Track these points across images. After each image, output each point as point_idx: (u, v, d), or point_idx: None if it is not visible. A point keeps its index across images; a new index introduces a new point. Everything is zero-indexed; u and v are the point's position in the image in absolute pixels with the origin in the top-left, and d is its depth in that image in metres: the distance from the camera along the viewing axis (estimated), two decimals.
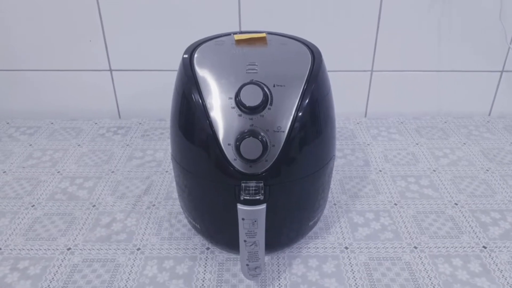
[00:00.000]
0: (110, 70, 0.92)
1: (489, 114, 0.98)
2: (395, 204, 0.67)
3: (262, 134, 0.47)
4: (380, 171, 0.76)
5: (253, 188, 0.48)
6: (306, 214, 0.56)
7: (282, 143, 0.48)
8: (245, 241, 0.48)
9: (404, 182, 0.73)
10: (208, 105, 0.48)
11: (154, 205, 0.67)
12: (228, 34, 0.58)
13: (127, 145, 0.84)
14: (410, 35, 0.89)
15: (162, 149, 0.83)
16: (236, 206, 0.47)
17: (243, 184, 0.48)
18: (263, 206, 0.46)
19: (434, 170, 0.76)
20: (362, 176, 0.74)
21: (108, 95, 0.95)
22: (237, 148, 0.47)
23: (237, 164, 0.48)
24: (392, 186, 0.72)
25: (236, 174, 0.48)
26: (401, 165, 0.78)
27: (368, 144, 0.85)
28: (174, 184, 0.72)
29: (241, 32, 0.58)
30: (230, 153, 0.48)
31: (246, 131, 0.47)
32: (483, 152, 0.81)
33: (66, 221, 0.64)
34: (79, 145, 0.84)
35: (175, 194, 0.70)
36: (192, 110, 0.49)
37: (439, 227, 0.63)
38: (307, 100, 0.48)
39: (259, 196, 0.47)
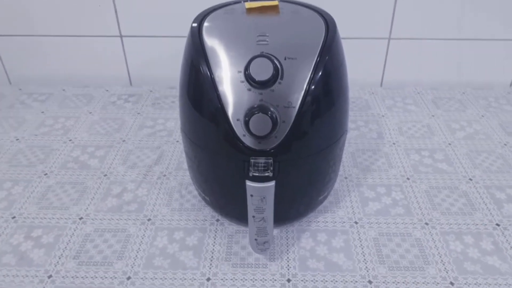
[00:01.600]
0: (121, 36, 0.90)
1: (511, 85, 0.94)
2: (408, 179, 0.66)
3: (271, 109, 0.45)
4: (394, 144, 0.74)
5: (262, 165, 0.47)
6: (316, 189, 0.55)
7: (293, 119, 0.46)
8: (253, 216, 0.48)
9: (417, 156, 0.71)
10: (216, 79, 0.47)
11: (165, 175, 0.68)
12: (239, 1, 0.56)
13: (138, 113, 0.84)
14: (431, 0, 0.85)
15: (173, 118, 0.82)
16: (245, 182, 0.47)
17: (252, 160, 0.47)
18: (272, 183, 0.46)
19: (450, 144, 0.74)
20: (375, 149, 0.73)
21: (119, 62, 0.94)
22: (246, 124, 0.46)
23: (246, 140, 0.47)
24: (406, 160, 0.70)
25: (245, 150, 0.47)
26: (416, 138, 0.76)
27: (383, 116, 0.83)
28: (184, 154, 0.72)
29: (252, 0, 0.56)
30: (239, 128, 0.47)
31: (255, 106, 0.46)
32: (502, 126, 0.79)
33: (78, 190, 0.64)
34: (90, 112, 0.84)
35: (186, 165, 0.69)
36: (201, 83, 0.48)
37: (451, 203, 0.62)
38: (319, 74, 0.47)
39: (268, 173, 0.47)
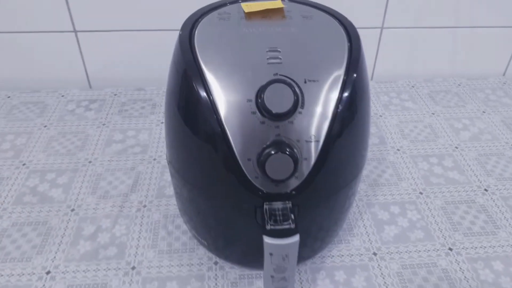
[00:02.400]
0: (75, 31, 0.77)
1: (504, 74, 0.90)
2: (421, 193, 0.60)
3: (292, 147, 0.36)
4: (398, 150, 0.68)
5: (281, 213, 0.38)
6: (335, 225, 0.47)
7: (317, 155, 0.37)
8: (272, 276, 0.39)
9: (426, 164, 0.65)
10: (219, 108, 0.37)
11: (145, 205, 0.57)
12: (235, 1, 0.45)
13: (103, 124, 0.72)
14: None
15: (145, 128, 0.71)
16: (254, 228, 0.38)
17: (266, 207, 0.38)
18: (296, 238, 0.37)
19: (457, 147, 0.68)
20: (380, 158, 0.66)
21: (74, 61, 0.80)
22: (261, 166, 0.36)
23: (259, 182, 0.38)
24: (414, 169, 0.64)
25: (258, 195, 0.38)
26: (420, 142, 0.69)
27: (381, 116, 0.75)
28: (165, 176, 0.61)
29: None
30: (250, 169, 0.37)
31: (271, 143, 0.36)
32: (505, 122, 0.74)
33: (41, 232, 0.53)
34: (45, 126, 0.71)
35: (168, 191, 0.59)
36: (198, 113, 0.38)
37: (472, 221, 0.56)
38: (347, 98, 0.38)
39: (289, 223, 0.38)
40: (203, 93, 0.37)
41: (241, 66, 0.38)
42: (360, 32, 0.81)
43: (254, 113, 0.36)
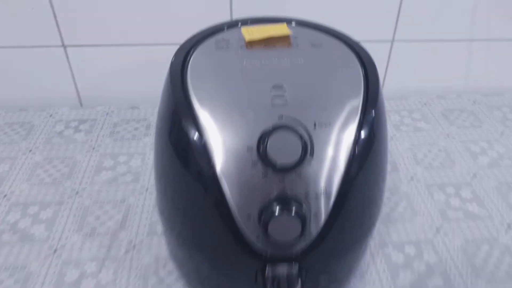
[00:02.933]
0: (63, 45, 0.72)
1: None
2: (438, 231, 0.55)
3: (299, 203, 0.31)
4: (412, 178, 0.62)
5: (286, 278, 0.33)
6: (347, 278, 0.42)
7: (328, 211, 0.32)
8: None
9: (442, 195, 0.59)
10: (214, 158, 0.32)
11: (134, 246, 0.52)
12: (234, 25, 0.40)
13: (93, 148, 0.67)
14: None
15: (138, 153, 0.66)
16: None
17: (269, 271, 0.33)
18: None
19: (475, 175, 0.63)
20: (392, 188, 0.61)
21: (64, 78, 0.75)
22: (264, 226, 0.31)
23: (261, 243, 0.33)
24: (430, 201, 0.58)
25: (259, 257, 0.33)
26: (435, 169, 0.64)
27: (391, 138, 0.70)
28: (158, 210, 0.56)
29: (251, 21, 0.40)
30: (250, 228, 0.32)
31: (275, 198, 0.31)
32: None
33: (18, 279, 0.48)
34: (30, 150, 0.66)
35: (160, 227, 0.54)
36: (189, 161, 0.33)
37: (496, 265, 0.51)
38: (363, 143, 0.33)
39: None
40: (196, 138, 0.32)
41: (241, 107, 0.32)
42: (370, 46, 0.76)
43: (255, 164, 0.31)
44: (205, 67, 0.35)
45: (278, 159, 0.30)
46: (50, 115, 0.73)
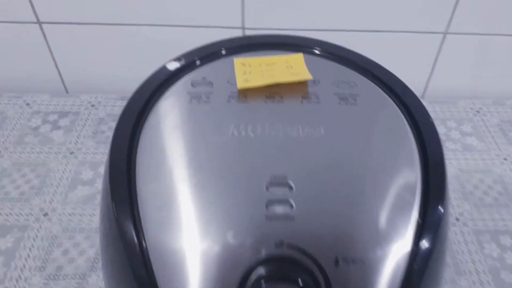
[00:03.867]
0: (38, 22, 0.59)
1: None
2: None
3: None
4: (458, 220, 0.50)
5: None
6: None
7: None
8: None
9: (496, 247, 0.47)
10: None
11: None
12: (226, 48, 0.27)
13: (71, 153, 0.56)
14: None
15: None
16: None
17: None
18: None
19: None
20: None
21: (43, 60, 0.63)
22: None
23: None
24: (479, 255, 0.46)
25: None
26: (487, 207, 0.51)
27: None
28: None
29: (252, 41, 0.27)
30: None
31: None
32: None
33: None
34: None
35: None
36: None
37: None
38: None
39: None
40: (143, 276, 0.20)
41: (215, 220, 0.20)
42: (417, 37, 0.61)
43: None
44: (166, 145, 0.22)
45: None
46: (27, 104, 0.62)
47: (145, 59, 0.62)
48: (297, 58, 0.24)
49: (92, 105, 0.62)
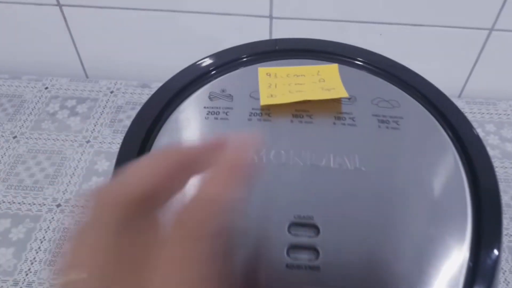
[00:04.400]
0: (59, 4, 0.57)
1: None
2: None
3: None
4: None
5: None
6: None
7: None
8: None
9: None
10: None
11: None
12: (249, 54, 0.24)
13: (88, 141, 0.54)
14: None
15: None
16: None
17: None
18: None
19: None
20: None
21: (63, 44, 0.61)
22: None
23: None
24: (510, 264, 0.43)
25: None
26: None
27: None
28: None
29: (275, 50, 0.23)
30: None
31: None
32: None
33: None
34: (15, 137, 0.54)
35: None
36: None
37: None
38: None
39: None
40: None
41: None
42: (460, 32, 0.57)
43: None
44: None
45: None
46: (46, 88, 0.61)
47: (167, 46, 0.60)
48: (331, 69, 0.21)
49: (111, 92, 0.60)
